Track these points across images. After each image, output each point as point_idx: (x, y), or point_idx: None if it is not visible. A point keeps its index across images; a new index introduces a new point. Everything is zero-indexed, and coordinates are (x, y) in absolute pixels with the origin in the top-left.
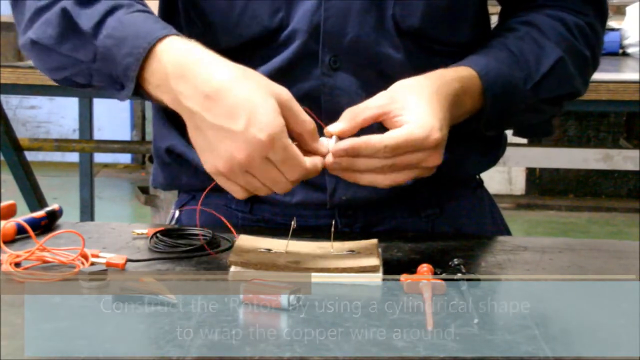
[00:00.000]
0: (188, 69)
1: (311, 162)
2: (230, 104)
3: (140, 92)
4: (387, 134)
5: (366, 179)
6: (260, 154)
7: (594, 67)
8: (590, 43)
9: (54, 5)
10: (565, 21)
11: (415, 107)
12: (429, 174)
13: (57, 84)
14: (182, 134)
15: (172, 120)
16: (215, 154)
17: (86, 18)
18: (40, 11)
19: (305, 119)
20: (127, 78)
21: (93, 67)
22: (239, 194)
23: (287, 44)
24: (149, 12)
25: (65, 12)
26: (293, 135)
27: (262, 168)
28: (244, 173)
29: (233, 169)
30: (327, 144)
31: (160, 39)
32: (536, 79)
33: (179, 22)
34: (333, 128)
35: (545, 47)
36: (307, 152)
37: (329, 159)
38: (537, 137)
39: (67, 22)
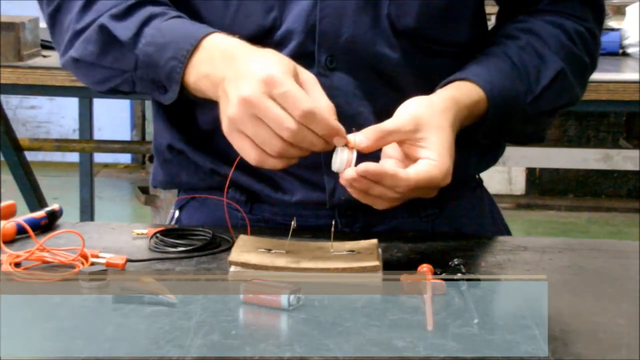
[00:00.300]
0: (229, 54)
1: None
2: (251, 62)
3: (182, 92)
4: (411, 171)
5: (368, 201)
6: (265, 90)
7: (593, 70)
8: (590, 49)
9: (91, 25)
10: (566, 28)
11: (437, 143)
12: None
13: (57, 84)
14: (182, 134)
15: (172, 120)
16: (229, 104)
17: (124, 30)
18: (78, 33)
19: (326, 98)
20: (171, 81)
21: (135, 75)
22: (249, 152)
23: (284, 43)
24: (183, 16)
25: (103, 28)
26: None
27: (268, 106)
28: (252, 117)
29: (240, 111)
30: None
31: (201, 39)
32: (536, 92)
33: None
34: (359, 141)
35: (546, 57)
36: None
37: (351, 174)
38: (530, 142)
39: (106, 36)
